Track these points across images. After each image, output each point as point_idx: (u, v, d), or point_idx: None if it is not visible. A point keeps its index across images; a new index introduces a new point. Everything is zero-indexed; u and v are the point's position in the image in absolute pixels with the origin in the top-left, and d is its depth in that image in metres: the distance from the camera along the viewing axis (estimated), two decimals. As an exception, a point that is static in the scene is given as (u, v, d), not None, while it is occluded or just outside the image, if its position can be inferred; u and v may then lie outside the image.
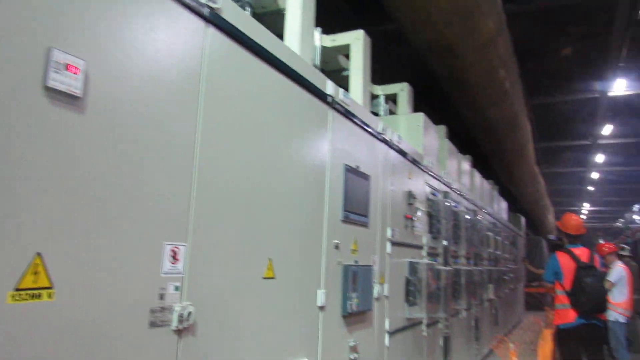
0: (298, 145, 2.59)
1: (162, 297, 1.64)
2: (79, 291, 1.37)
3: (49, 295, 1.27)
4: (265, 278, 2.26)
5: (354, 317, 3.17)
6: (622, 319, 6.77)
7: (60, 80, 1.31)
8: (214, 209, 1.92)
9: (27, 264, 1.22)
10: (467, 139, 8.83)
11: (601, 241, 20.91)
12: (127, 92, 1.55)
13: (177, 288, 1.70)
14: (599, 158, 16.66)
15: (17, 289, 1.19)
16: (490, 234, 8.42)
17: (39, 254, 1.24)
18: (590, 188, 23.20)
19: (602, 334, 5.48)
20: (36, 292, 1.23)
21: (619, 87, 10.86)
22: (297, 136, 2.59)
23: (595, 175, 20.04)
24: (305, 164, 2.65)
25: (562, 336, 5.41)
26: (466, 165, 7.66)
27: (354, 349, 3.13)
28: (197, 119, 1.84)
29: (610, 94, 11.18)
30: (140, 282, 1.57)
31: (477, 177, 8.44)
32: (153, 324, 1.60)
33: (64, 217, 1.34)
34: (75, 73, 1.34)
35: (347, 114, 3.16)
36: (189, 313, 1.73)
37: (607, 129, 13.57)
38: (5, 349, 1.18)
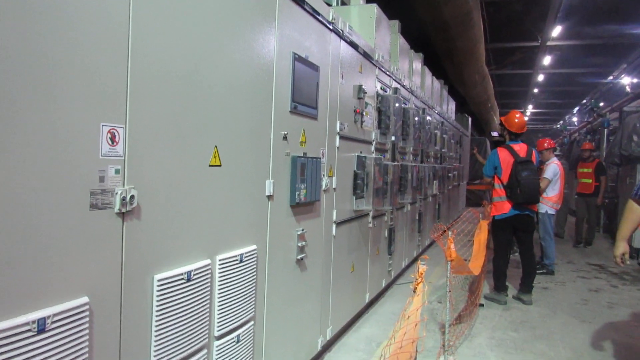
0: (244, 28, 2.46)
1: (102, 179, 1.59)
2: (14, 170, 1.31)
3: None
4: (211, 165, 2.23)
5: (302, 207, 3.25)
6: (551, 211, 7.31)
7: None
8: (152, 92, 1.83)
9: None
10: (419, 36, 8.71)
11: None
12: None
13: (117, 171, 1.65)
14: (546, 60, 16.96)
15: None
16: (437, 132, 8.63)
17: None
18: (535, 90, 23.85)
19: (533, 223, 5.92)
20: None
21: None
22: (243, 18, 2.44)
23: (540, 78, 20.52)
24: (252, 49, 2.53)
25: (497, 226, 5.81)
26: (418, 63, 7.61)
27: (301, 237, 3.24)
28: (129, -9, 1.69)
29: (563, -7, 11.14)
30: (78, 163, 1.51)
31: (428, 75, 8.44)
32: (94, 206, 1.57)
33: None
34: None
35: (296, -1, 3.00)
36: (132, 196, 1.70)
37: (556, 31, 13.68)
38: None
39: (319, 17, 3.36)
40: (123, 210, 1.67)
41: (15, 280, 1.33)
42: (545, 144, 7.63)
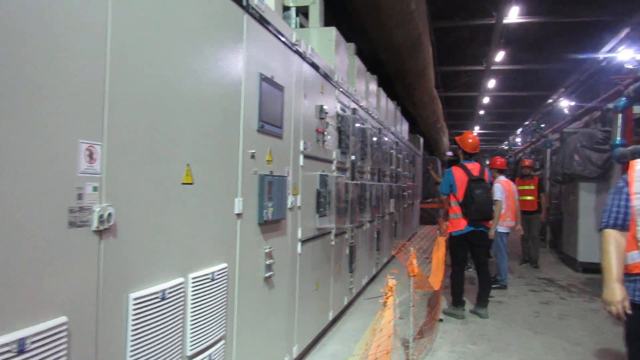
0: (214, 48, 2.49)
1: (80, 197, 1.57)
2: (-10, 186, 1.28)
3: (-42, 188, 1.18)
4: (184, 184, 2.23)
5: (270, 225, 3.27)
6: (500, 229, 7.55)
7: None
8: (129, 110, 1.83)
9: None
10: (373, 58, 8.97)
11: (487, 162, 22.80)
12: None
13: (95, 188, 1.63)
14: (491, 83, 17.78)
15: None
16: (393, 152, 8.85)
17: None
18: (481, 112, 24.88)
19: (487, 239, 6.15)
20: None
21: (513, 14, 11.46)
22: (212, 39, 2.48)
23: (486, 100, 21.46)
24: (221, 69, 2.57)
25: (454, 242, 6.00)
26: (373, 84, 7.84)
27: (269, 255, 3.25)
28: (107, 14, 1.70)
29: (505, 21, 11.78)
30: (56, 180, 1.49)
31: (383, 96, 8.69)
32: (72, 224, 1.54)
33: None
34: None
35: (262, 21, 3.06)
36: (109, 214, 1.69)
37: (500, 55, 14.41)
38: None
39: (283, 39, 3.44)
40: (101, 228, 1.65)
41: (-6, 300, 1.29)
42: (498, 163, 7.97)
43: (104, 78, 1.69)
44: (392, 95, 10.33)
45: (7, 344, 1.29)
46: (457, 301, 5.99)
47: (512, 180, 9.79)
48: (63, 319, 1.49)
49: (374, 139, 6.68)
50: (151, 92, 1.97)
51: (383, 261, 8.46)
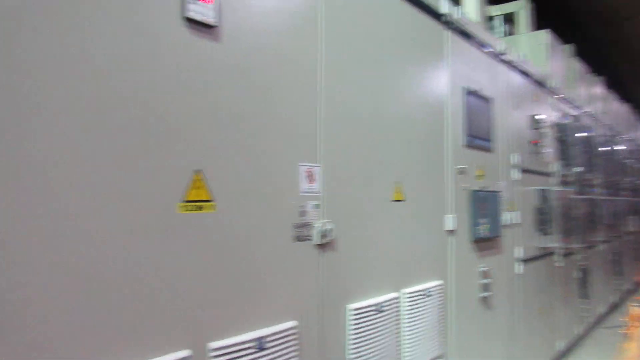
0: (416, 68, 2.56)
1: (302, 214, 1.77)
2: (234, 205, 1.53)
3: (211, 207, 1.44)
4: (394, 201, 2.32)
5: (483, 243, 3.15)
6: None
7: (197, 10, 1.42)
8: (340, 134, 2.00)
9: (191, 179, 1.39)
10: (598, 59, 8.00)
11: None
12: (254, 21, 1.64)
13: (316, 206, 1.82)
14: None
15: (185, 201, 1.37)
16: (629, 161, 7.67)
17: (200, 171, 1.41)
18: None
19: None
20: (200, 204, 1.41)
21: None
22: (414, 59, 2.55)
23: None
24: (424, 88, 2.61)
25: None
26: (599, 87, 6.97)
27: (485, 274, 3.12)
28: (318, 45, 1.90)
29: None
30: (283, 199, 1.71)
31: (613, 100, 7.65)
32: (297, 238, 1.74)
33: (215, 140, 1.49)
34: (209, 2, 1.45)
35: (464, 35, 3.03)
36: (329, 230, 1.85)
37: None
38: (179, 252, 1.37)
39: (488, 50, 3.33)
40: (321, 242, 1.82)
41: (241, 302, 1.53)
42: None
43: (319, 112, 1.88)
44: (625, 96, 9.02)
45: (251, 340, 1.51)
46: None
47: None
48: (293, 322, 1.68)
49: (604, 147, 5.90)
50: (360, 118, 2.12)
51: (624, 288, 7.30)
